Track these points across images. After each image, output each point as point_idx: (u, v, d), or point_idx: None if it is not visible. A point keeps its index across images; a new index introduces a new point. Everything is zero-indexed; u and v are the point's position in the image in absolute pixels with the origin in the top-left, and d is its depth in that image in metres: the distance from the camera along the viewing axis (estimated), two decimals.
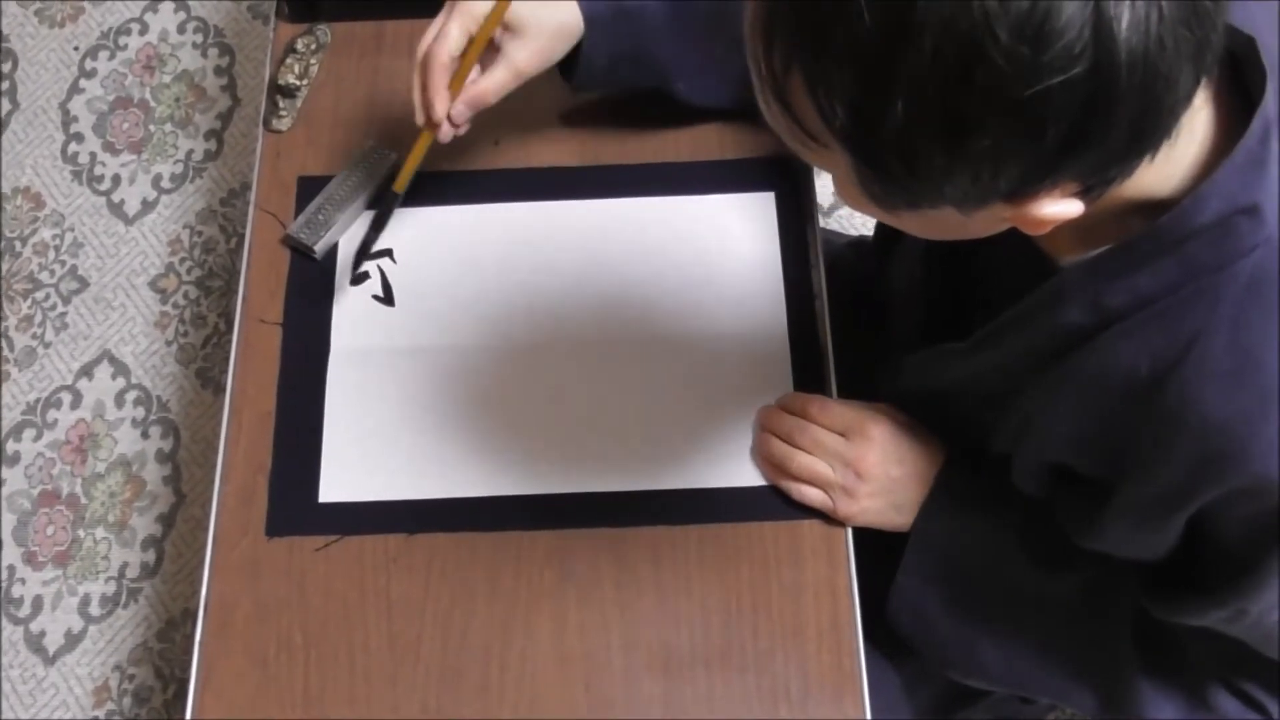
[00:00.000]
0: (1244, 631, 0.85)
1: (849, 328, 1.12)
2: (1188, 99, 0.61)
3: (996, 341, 0.86)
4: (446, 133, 1.01)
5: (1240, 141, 0.69)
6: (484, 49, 0.98)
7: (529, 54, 0.99)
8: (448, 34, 0.96)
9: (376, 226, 1.07)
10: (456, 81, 0.98)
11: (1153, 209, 0.71)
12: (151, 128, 2.07)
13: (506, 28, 0.97)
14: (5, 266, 1.97)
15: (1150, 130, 0.61)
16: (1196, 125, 0.71)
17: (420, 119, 1.00)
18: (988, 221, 0.68)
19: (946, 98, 0.57)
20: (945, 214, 0.65)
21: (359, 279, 1.11)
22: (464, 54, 0.98)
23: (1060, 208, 0.64)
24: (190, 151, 2.05)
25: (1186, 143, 0.70)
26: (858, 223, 1.97)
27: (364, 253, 1.08)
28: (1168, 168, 0.70)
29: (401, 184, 1.05)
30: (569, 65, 1.04)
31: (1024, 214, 0.65)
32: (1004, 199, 0.63)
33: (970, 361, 0.89)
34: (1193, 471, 0.74)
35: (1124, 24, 0.55)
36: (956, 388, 0.93)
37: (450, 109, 0.98)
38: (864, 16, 0.56)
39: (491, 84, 0.98)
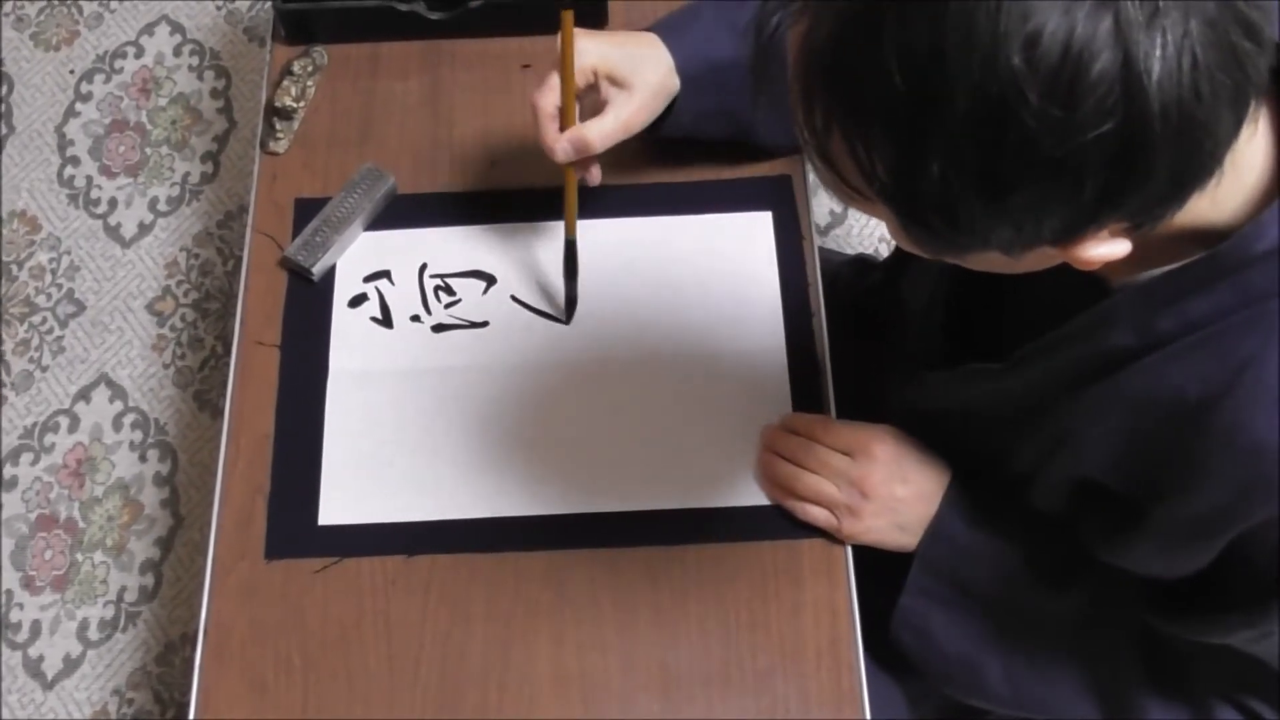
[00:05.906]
0: (1266, 651, 0.84)
1: (847, 346, 1.11)
2: (1230, 140, 0.61)
3: (1037, 361, 0.84)
4: (595, 176, 1.05)
5: None
6: (584, 93, 1.00)
7: (634, 109, 1.00)
8: (549, 84, 0.99)
9: (570, 275, 1.08)
10: (566, 125, 1.00)
11: (1209, 234, 0.71)
12: (148, 150, 2.07)
13: (613, 82, 1.00)
14: (1, 290, 1.97)
15: (1192, 174, 0.61)
16: (1255, 153, 0.70)
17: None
18: (1037, 260, 0.68)
19: (982, 158, 0.57)
20: (993, 256, 0.66)
21: (356, 301, 1.11)
22: (563, 99, 0.99)
23: (1108, 248, 0.64)
24: (187, 174, 2.05)
25: (1245, 170, 0.69)
26: (855, 241, 1.97)
27: (572, 304, 1.10)
28: (1223, 196, 0.69)
29: (571, 229, 1.06)
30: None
31: (1072, 254, 0.65)
32: (1050, 244, 0.63)
33: (1001, 380, 0.88)
34: (1239, 495, 0.73)
35: (1155, 75, 0.55)
36: (979, 406, 0.92)
37: (556, 145, 1.00)
38: (896, 80, 0.56)
39: (596, 131, 1.00)
